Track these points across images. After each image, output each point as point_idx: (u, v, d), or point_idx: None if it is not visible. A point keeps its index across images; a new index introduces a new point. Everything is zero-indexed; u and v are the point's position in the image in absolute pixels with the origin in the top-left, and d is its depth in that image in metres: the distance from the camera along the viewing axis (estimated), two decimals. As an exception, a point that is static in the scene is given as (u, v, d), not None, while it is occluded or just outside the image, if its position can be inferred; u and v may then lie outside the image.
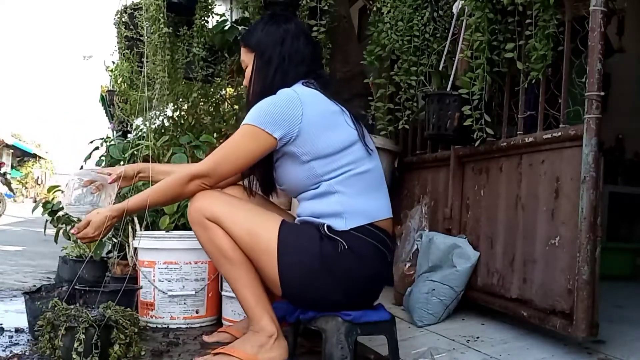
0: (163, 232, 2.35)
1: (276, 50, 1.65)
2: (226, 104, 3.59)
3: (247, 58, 1.73)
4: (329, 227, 1.55)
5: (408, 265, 2.46)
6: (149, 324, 2.27)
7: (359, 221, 1.56)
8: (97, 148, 3.15)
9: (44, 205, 2.97)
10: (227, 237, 1.59)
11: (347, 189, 1.56)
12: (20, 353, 1.79)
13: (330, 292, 1.57)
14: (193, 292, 2.30)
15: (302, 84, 1.64)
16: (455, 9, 2.34)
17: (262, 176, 1.75)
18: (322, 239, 1.56)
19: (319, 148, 1.54)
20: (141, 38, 3.04)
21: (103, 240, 2.72)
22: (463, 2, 2.19)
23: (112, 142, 3.05)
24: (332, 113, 1.59)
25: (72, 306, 1.74)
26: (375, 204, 1.61)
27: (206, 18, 3.08)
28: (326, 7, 2.78)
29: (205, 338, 2.01)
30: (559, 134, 1.86)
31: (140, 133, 3.14)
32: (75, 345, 1.60)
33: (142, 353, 1.79)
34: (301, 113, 1.53)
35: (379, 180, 1.66)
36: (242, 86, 3.07)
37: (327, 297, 1.58)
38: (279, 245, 1.56)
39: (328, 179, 1.56)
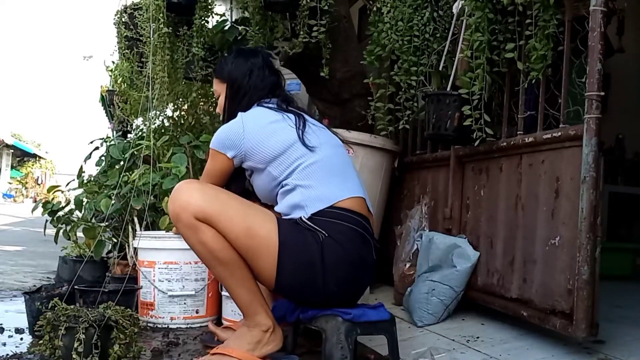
0: (163, 232, 2.35)
1: (244, 80, 1.86)
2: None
3: (219, 88, 1.94)
4: (299, 219, 1.61)
5: (408, 265, 2.46)
6: (149, 324, 2.28)
7: (318, 206, 1.63)
8: (97, 148, 3.15)
9: (44, 205, 2.96)
10: (218, 237, 1.57)
11: (304, 182, 1.66)
12: (20, 353, 1.79)
13: (323, 284, 1.58)
14: (193, 292, 2.30)
15: (257, 104, 1.82)
16: (455, 9, 2.34)
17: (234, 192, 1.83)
18: (308, 232, 1.58)
19: (267, 153, 1.69)
20: (141, 38, 3.04)
21: (103, 239, 2.73)
22: (463, 2, 2.19)
23: (112, 142, 3.05)
24: (272, 122, 1.74)
25: (72, 306, 1.74)
26: (332, 187, 1.67)
27: (206, 18, 3.08)
28: (326, 7, 2.78)
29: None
30: (559, 134, 1.86)
31: (140, 133, 3.14)
32: (75, 345, 1.60)
33: (142, 353, 1.79)
34: (242, 130, 1.72)
35: (334, 167, 1.72)
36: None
37: (320, 290, 1.59)
38: (279, 243, 1.57)
39: (286, 177, 1.68)
